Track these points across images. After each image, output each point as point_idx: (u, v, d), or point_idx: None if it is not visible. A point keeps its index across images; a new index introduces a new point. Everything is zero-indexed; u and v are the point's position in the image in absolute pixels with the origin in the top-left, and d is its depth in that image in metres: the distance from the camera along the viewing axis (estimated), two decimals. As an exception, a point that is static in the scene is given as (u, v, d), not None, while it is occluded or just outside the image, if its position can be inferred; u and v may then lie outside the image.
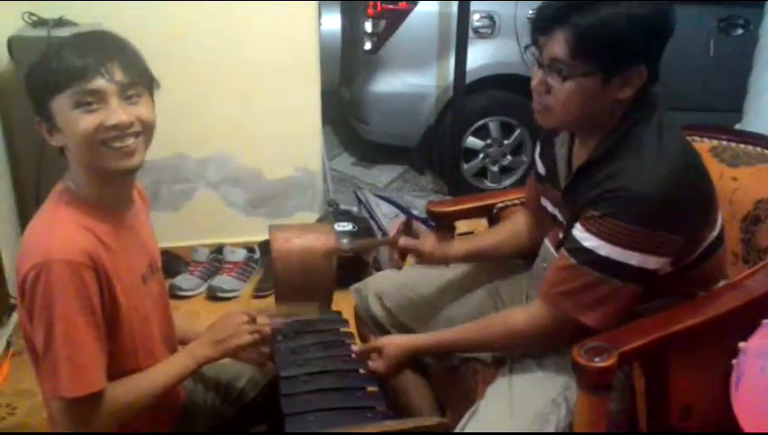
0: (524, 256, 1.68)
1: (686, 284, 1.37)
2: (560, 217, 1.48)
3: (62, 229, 1.17)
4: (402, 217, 3.32)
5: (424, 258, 1.67)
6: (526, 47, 1.34)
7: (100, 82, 1.16)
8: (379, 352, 1.51)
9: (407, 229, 1.68)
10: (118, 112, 1.17)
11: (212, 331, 1.39)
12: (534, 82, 1.33)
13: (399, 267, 1.71)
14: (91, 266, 1.15)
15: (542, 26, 1.29)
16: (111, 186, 1.26)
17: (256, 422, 1.69)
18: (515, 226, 1.70)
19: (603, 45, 1.24)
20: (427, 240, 1.65)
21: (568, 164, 1.44)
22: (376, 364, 1.50)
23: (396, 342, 1.52)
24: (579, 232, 1.30)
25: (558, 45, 1.26)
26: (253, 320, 1.42)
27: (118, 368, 1.26)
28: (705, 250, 1.36)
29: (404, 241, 1.65)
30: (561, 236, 1.44)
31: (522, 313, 1.40)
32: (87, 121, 1.16)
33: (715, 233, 1.37)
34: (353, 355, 1.51)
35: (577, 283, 1.30)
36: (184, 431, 1.49)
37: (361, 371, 1.48)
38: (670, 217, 1.25)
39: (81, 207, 1.22)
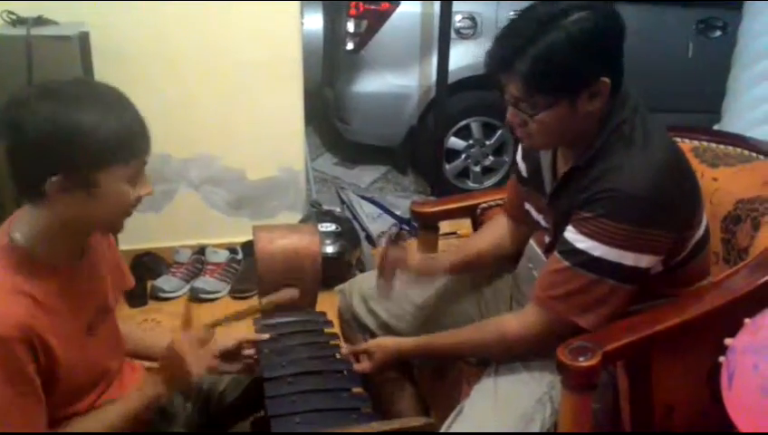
0: (507, 259, 1.69)
1: (674, 283, 1.38)
2: (544, 222, 1.48)
3: None
4: (386, 219, 3.33)
5: (411, 273, 1.65)
6: (492, 87, 1.34)
7: (147, 158, 1.16)
8: (367, 355, 1.51)
9: (394, 243, 1.66)
10: (148, 183, 1.18)
11: (159, 366, 1.33)
12: (508, 117, 1.34)
13: (387, 290, 1.65)
14: (22, 339, 1.08)
15: (492, 71, 1.29)
16: (72, 244, 1.20)
17: (238, 420, 1.68)
18: (496, 232, 1.69)
19: (554, 77, 1.24)
20: (414, 255, 1.65)
21: (553, 170, 1.44)
22: (362, 365, 1.50)
23: (385, 345, 1.51)
24: (571, 234, 1.30)
25: (513, 86, 1.27)
26: (202, 343, 1.33)
27: (60, 411, 1.23)
28: (692, 248, 1.37)
29: (393, 254, 1.62)
30: (547, 239, 1.45)
31: (515, 318, 1.40)
32: (131, 194, 1.15)
33: (701, 231, 1.39)
34: (339, 355, 1.50)
35: (572, 285, 1.30)
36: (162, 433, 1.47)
37: (345, 371, 1.47)
38: (662, 215, 1.26)
39: (24, 267, 1.13)
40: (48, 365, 1.15)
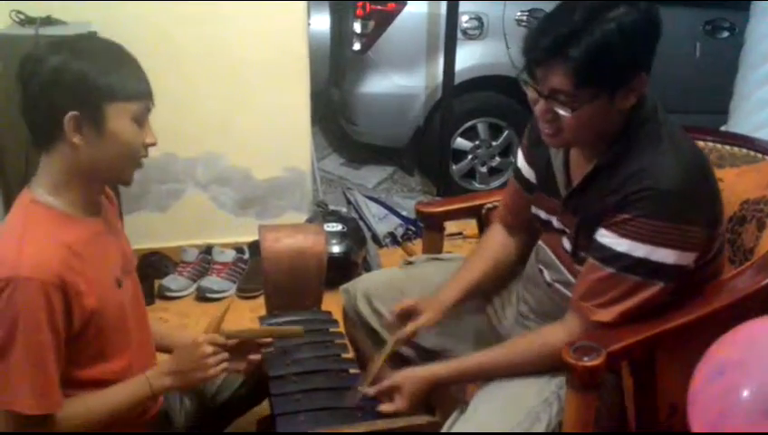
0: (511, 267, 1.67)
1: (699, 282, 1.36)
2: (556, 223, 1.46)
3: (32, 245, 1.17)
4: (393, 219, 3.33)
5: (430, 327, 1.57)
6: (518, 78, 1.31)
7: (150, 104, 1.27)
8: (397, 391, 1.40)
9: (402, 319, 1.55)
10: (154, 134, 1.28)
11: (174, 360, 1.35)
12: (539, 112, 1.30)
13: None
14: (59, 286, 1.16)
15: (537, 59, 1.26)
16: (88, 194, 1.28)
17: (234, 418, 1.68)
18: (496, 249, 1.64)
19: (605, 68, 1.22)
20: (424, 312, 1.54)
21: (566, 170, 1.42)
22: (394, 406, 1.39)
23: (415, 375, 1.41)
24: (609, 239, 1.28)
25: (558, 78, 1.23)
26: (221, 347, 1.37)
27: (84, 371, 1.27)
28: (719, 245, 1.37)
29: (409, 330, 1.52)
30: (566, 243, 1.42)
31: (561, 331, 1.35)
32: (140, 136, 1.25)
33: (723, 228, 1.38)
34: (366, 393, 1.42)
35: (617, 291, 1.28)
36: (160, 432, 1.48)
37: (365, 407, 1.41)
38: (697, 210, 1.26)
39: (53, 218, 1.23)
40: (81, 313, 1.21)
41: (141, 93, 1.24)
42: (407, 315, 1.55)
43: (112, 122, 1.21)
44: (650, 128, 1.30)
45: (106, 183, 1.34)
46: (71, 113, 1.18)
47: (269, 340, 1.52)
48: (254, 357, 1.50)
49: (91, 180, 1.27)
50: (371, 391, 1.42)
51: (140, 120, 1.25)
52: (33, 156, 2.22)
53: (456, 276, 1.63)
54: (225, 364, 1.37)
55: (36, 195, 1.24)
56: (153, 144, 1.28)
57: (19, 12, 2.35)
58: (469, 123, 3.72)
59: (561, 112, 1.26)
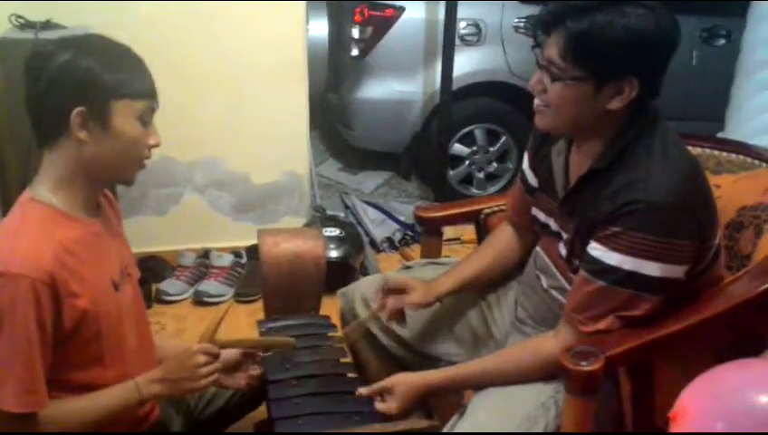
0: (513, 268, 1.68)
1: (697, 289, 1.36)
2: (554, 226, 1.47)
3: (25, 241, 1.17)
4: (390, 224, 3.34)
5: (418, 308, 1.61)
6: (532, 47, 1.34)
7: (155, 105, 1.28)
8: (389, 392, 1.42)
9: (386, 294, 1.60)
10: (158, 135, 1.29)
11: (165, 367, 1.33)
12: (531, 83, 1.34)
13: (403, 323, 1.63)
14: (49, 284, 1.16)
15: (541, 26, 1.30)
16: (89, 194, 1.29)
17: (229, 424, 1.68)
18: (501, 245, 1.67)
19: (593, 52, 1.24)
20: (414, 291, 1.58)
21: (565, 173, 1.43)
22: (386, 406, 1.41)
23: (408, 380, 1.43)
24: (599, 252, 1.28)
25: (552, 47, 1.28)
26: (214, 357, 1.35)
27: (80, 375, 1.27)
28: (713, 255, 1.37)
29: (393, 304, 1.58)
30: (562, 248, 1.43)
31: (553, 341, 1.35)
32: (143, 135, 1.26)
33: (717, 240, 1.38)
34: (358, 394, 1.43)
35: (608, 304, 1.29)
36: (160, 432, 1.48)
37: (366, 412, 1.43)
38: (688, 223, 1.26)
39: (50, 216, 1.23)
40: (72, 313, 1.21)
41: (147, 93, 1.26)
42: (395, 294, 1.58)
43: (118, 119, 1.22)
44: (646, 139, 1.30)
45: (108, 182, 1.34)
46: (78, 109, 1.18)
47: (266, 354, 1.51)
48: (254, 372, 1.50)
49: (93, 179, 1.27)
50: (365, 391, 1.43)
51: (145, 120, 1.26)
52: (33, 159, 2.25)
53: (454, 267, 1.65)
54: (215, 376, 1.35)
55: (36, 193, 1.25)
56: (157, 145, 1.29)
57: (19, 16, 2.35)
58: (467, 129, 3.73)
59: (547, 84, 1.30)
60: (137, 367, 1.35)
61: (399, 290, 1.59)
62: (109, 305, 1.29)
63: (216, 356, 1.36)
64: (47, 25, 2.34)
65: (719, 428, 0.92)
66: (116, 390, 1.29)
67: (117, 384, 1.30)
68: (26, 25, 2.34)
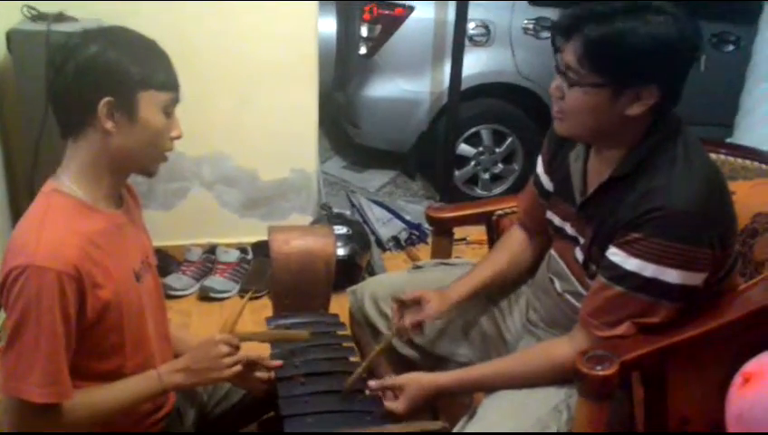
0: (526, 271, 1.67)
1: (712, 296, 1.36)
2: (569, 230, 1.46)
3: (51, 233, 1.17)
4: (396, 223, 3.33)
5: (436, 319, 1.59)
6: (556, 51, 1.33)
7: (178, 97, 1.30)
8: (399, 391, 1.42)
9: (401, 310, 1.58)
10: (180, 127, 1.31)
11: (189, 357, 1.34)
12: (551, 90, 1.33)
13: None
14: (74, 276, 1.16)
15: (560, 31, 1.29)
16: (112, 186, 1.29)
17: (247, 422, 1.68)
18: (513, 249, 1.66)
19: (610, 59, 1.23)
20: (430, 304, 1.56)
21: (583, 179, 1.42)
22: (394, 405, 1.40)
23: (419, 381, 1.43)
24: (619, 257, 1.27)
25: (570, 53, 1.26)
26: (236, 349, 1.37)
27: (102, 363, 1.28)
28: (732, 262, 1.37)
29: (411, 320, 1.56)
30: (579, 253, 1.42)
31: (567, 345, 1.35)
32: (167, 127, 1.28)
33: (738, 245, 1.39)
34: (368, 391, 1.43)
35: (626, 310, 1.28)
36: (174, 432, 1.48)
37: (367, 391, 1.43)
38: (710, 232, 1.25)
39: (74, 208, 1.23)
40: (95, 304, 1.21)
41: (172, 85, 1.28)
42: (410, 307, 1.57)
43: (144, 110, 1.23)
44: (668, 146, 1.29)
45: (131, 173, 1.34)
46: (105, 99, 1.19)
47: (279, 363, 1.50)
48: (262, 375, 1.49)
49: (117, 170, 1.28)
50: (376, 384, 1.43)
51: (169, 112, 1.28)
52: (41, 153, 2.25)
53: (468, 273, 1.64)
54: (239, 366, 1.36)
55: (59, 184, 1.25)
56: (179, 137, 1.31)
57: (31, 8, 2.35)
58: (473, 130, 3.72)
59: (565, 90, 1.29)
60: (156, 355, 1.37)
61: (413, 301, 1.58)
62: (130, 296, 1.30)
63: (237, 347, 1.37)
64: (59, 17, 2.33)
65: None
66: (138, 379, 1.31)
67: (139, 374, 1.31)
68: (38, 17, 2.34)
